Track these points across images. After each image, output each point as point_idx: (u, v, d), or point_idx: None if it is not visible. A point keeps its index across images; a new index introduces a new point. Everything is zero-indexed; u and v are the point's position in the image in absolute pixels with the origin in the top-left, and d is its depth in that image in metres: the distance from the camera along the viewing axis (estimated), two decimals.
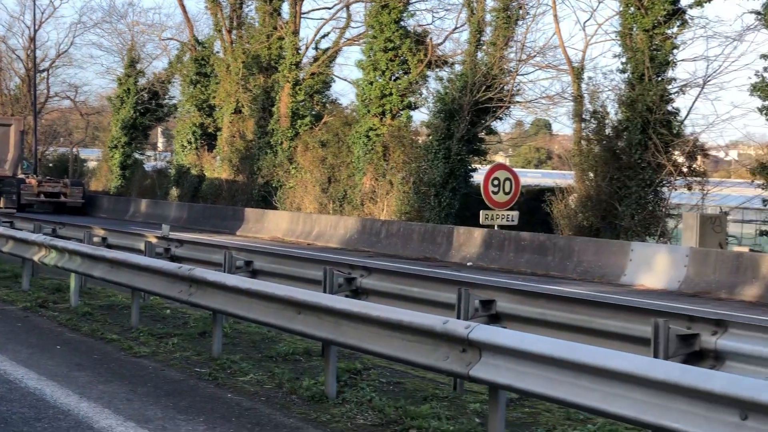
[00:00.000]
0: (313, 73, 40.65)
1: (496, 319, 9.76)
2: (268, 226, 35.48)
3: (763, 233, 26.11)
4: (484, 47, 32.62)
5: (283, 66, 40.96)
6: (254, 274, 13.56)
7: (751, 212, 33.09)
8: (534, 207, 30.30)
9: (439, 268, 23.16)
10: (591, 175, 27.74)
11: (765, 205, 25.47)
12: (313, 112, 40.78)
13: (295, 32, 41.11)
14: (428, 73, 35.27)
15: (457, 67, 33.92)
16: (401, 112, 35.28)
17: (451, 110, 31.79)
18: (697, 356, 8.01)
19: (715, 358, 7.90)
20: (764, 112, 23.84)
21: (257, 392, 9.18)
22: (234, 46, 44.48)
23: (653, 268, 20.91)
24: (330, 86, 41.83)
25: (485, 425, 7.67)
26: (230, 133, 44.03)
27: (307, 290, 9.77)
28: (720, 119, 45.94)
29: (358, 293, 11.58)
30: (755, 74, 24.06)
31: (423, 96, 35.46)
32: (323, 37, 42.48)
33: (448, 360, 7.43)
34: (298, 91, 40.43)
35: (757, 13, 24.36)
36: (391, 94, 35.02)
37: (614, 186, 26.68)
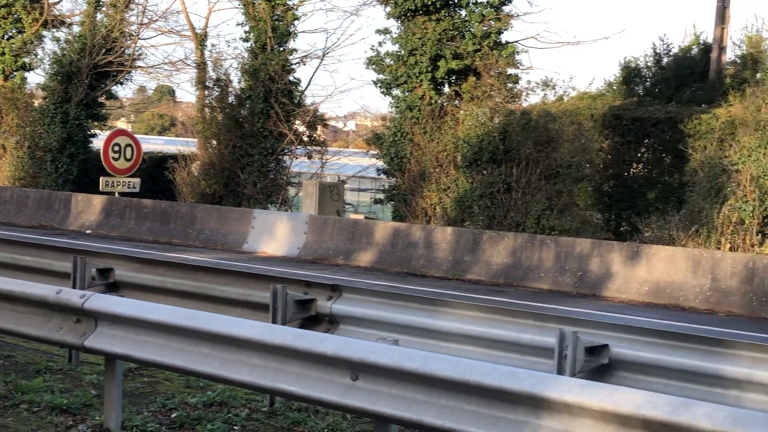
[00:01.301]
0: None
1: (114, 287, 9.51)
2: None
3: (377, 201, 27.36)
4: (104, 9, 31.61)
5: None
6: None
7: (366, 181, 34.56)
8: (156, 174, 29.88)
9: (57, 236, 22.27)
10: (214, 142, 27.75)
11: (379, 174, 26.70)
12: None
13: None
14: (45, 33, 33.64)
15: (76, 29, 32.63)
16: (15, 73, 33.44)
17: (69, 73, 30.55)
18: (313, 320, 8.23)
19: (330, 322, 8.16)
20: (378, 85, 24.92)
21: None
22: None
23: (275, 235, 21.29)
24: None
25: (102, 397, 7.44)
26: None
27: None
28: (338, 91, 47.67)
29: None
30: (370, 48, 25.11)
31: (39, 57, 33.80)
32: None
33: (62, 331, 7.13)
34: None
35: None
36: (3, 53, 33.07)
37: (237, 154, 26.86)
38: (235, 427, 7.35)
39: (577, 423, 4.73)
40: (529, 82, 25.44)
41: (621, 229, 24.77)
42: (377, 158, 25.85)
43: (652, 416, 4.42)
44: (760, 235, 18.62)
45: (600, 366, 6.80)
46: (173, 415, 7.53)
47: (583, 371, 6.63)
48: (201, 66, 29.70)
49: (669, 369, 6.54)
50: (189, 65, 32.65)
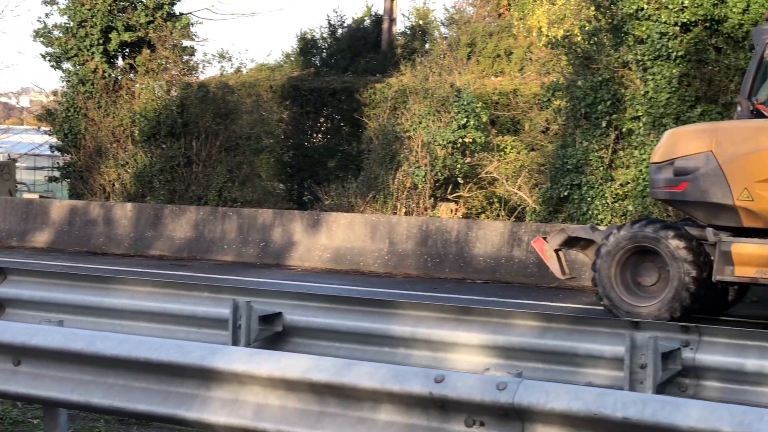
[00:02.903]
0: None
1: None
2: None
3: (52, 179, 26.29)
4: None
5: None
6: None
7: (42, 159, 33.16)
8: None
9: None
10: None
11: (53, 152, 25.64)
12: None
13: None
14: None
15: None
16: None
17: None
18: None
19: None
20: (47, 58, 23.84)
21: None
22: None
23: None
24: None
25: None
26: None
27: None
28: (4, 65, 45.30)
29: None
30: (37, 20, 23.97)
31: None
32: None
33: None
34: None
35: None
36: None
37: None
38: None
39: (246, 391, 4.74)
40: (205, 54, 25.35)
41: (304, 198, 25.18)
42: (50, 135, 24.80)
43: (317, 379, 4.50)
44: (432, 198, 19.49)
45: (275, 334, 6.87)
46: None
47: (258, 340, 6.68)
48: None
49: (341, 332, 6.70)
50: None
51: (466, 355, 6.22)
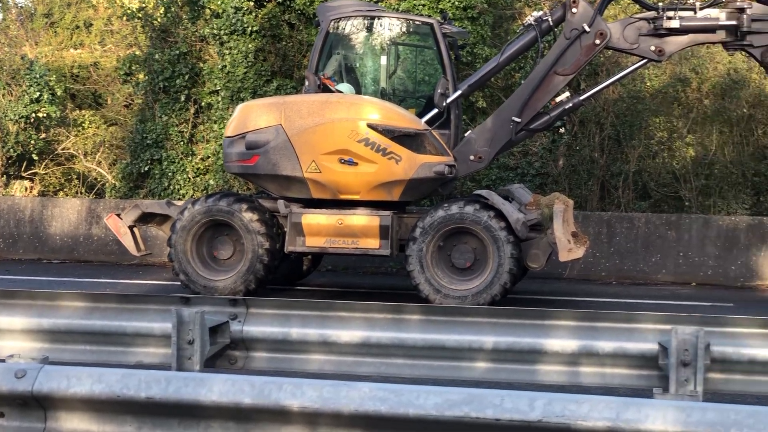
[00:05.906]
0: None
1: None
2: None
3: None
4: None
5: None
6: None
7: None
8: None
9: None
10: None
11: None
12: None
13: None
14: None
15: None
16: None
17: None
18: None
19: None
20: None
21: None
22: None
23: None
24: None
25: None
26: None
27: None
28: None
29: None
30: None
31: None
32: None
33: None
34: None
35: None
36: None
37: None
38: None
39: None
40: None
41: None
42: None
43: None
44: (5, 176, 18.46)
45: None
46: None
47: None
48: None
49: None
50: None
51: (10, 342, 5.83)
